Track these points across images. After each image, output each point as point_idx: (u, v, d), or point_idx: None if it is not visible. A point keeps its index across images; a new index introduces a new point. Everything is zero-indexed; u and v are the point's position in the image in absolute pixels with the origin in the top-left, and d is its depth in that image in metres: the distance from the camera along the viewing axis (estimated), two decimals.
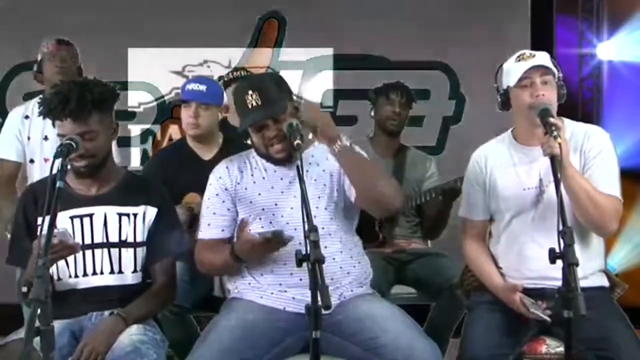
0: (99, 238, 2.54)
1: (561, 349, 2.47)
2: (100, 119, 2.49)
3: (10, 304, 3.30)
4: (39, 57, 3.70)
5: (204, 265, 2.61)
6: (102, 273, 2.53)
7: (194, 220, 3.15)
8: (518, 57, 2.60)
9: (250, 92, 2.49)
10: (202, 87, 3.36)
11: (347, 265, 2.53)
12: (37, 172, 3.62)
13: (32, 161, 3.69)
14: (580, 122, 2.69)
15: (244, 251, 2.43)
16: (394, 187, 2.53)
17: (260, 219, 2.52)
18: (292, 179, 2.54)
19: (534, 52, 2.60)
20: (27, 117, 3.70)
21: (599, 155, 2.55)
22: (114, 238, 2.55)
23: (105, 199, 2.57)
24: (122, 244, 2.55)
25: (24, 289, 2.25)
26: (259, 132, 2.53)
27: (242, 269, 2.57)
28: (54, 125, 2.49)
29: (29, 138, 3.69)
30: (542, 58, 2.58)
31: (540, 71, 2.55)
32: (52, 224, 2.14)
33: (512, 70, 2.59)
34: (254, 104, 2.48)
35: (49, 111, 2.46)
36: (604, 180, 2.52)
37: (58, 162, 2.25)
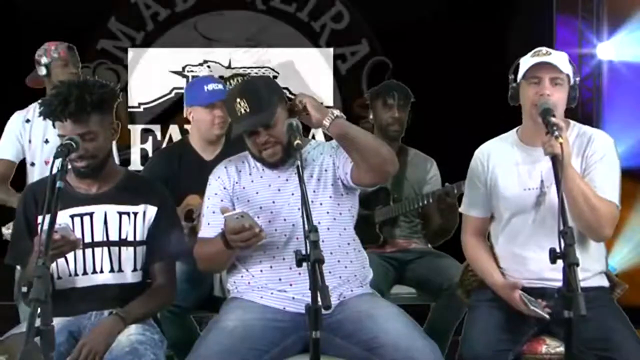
0: (99, 236, 2.54)
1: (561, 349, 2.47)
2: (100, 119, 2.50)
3: (8, 304, 3.31)
4: (44, 60, 3.70)
5: (201, 260, 2.60)
6: (102, 271, 2.54)
7: (193, 228, 3.15)
8: (534, 52, 2.59)
9: (238, 99, 2.49)
10: (221, 87, 3.37)
11: (344, 259, 2.54)
12: (38, 175, 3.64)
13: (32, 164, 3.71)
14: (587, 126, 2.67)
15: (229, 240, 2.39)
16: (389, 150, 2.50)
17: (258, 217, 2.52)
18: (289, 177, 2.55)
19: (550, 50, 2.58)
20: (28, 120, 3.73)
21: (601, 160, 2.53)
22: (114, 237, 2.55)
23: (106, 197, 2.58)
24: (122, 242, 2.56)
25: (24, 289, 2.25)
26: (251, 137, 2.54)
27: (240, 267, 2.58)
28: (54, 126, 2.50)
29: (29, 141, 3.71)
30: (556, 57, 2.55)
31: (551, 70, 2.53)
32: (52, 224, 2.14)
33: (524, 65, 2.58)
34: (243, 111, 2.49)
35: (49, 112, 2.47)
36: (604, 185, 2.50)
37: (58, 162, 2.25)
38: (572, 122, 2.62)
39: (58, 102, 2.44)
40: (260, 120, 2.48)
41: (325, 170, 2.59)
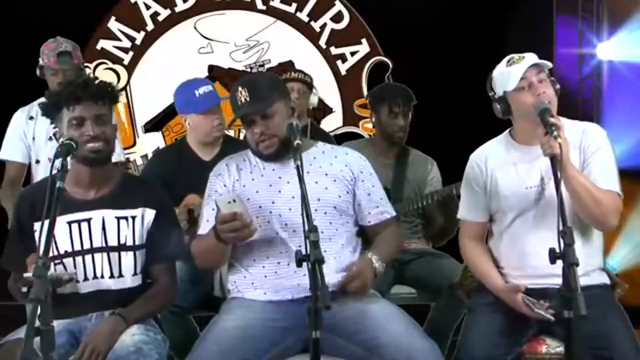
0: (97, 242, 2.52)
1: (561, 349, 2.47)
2: (109, 109, 2.53)
3: (9, 304, 3.31)
4: (40, 62, 3.68)
5: (198, 256, 2.60)
6: (102, 277, 2.53)
7: (193, 223, 3.15)
8: (508, 61, 2.61)
9: (240, 88, 2.53)
10: (211, 87, 3.36)
11: (345, 266, 2.53)
12: (42, 172, 3.65)
13: (37, 162, 3.72)
14: (577, 120, 2.69)
15: (219, 230, 2.39)
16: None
17: (257, 216, 2.52)
18: (291, 179, 2.54)
19: (522, 54, 2.60)
20: (31, 117, 3.72)
21: (597, 152, 2.55)
22: (113, 242, 2.53)
23: (103, 202, 2.56)
24: (121, 247, 2.54)
25: (24, 289, 2.25)
26: (249, 127, 2.55)
27: (242, 268, 2.58)
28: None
29: (33, 139, 3.71)
30: (533, 57, 2.58)
31: (534, 70, 2.56)
32: (52, 225, 2.13)
33: (507, 75, 2.58)
34: (243, 99, 2.52)
35: (68, 94, 2.47)
36: (603, 176, 2.52)
37: (58, 162, 2.24)
38: (562, 118, 2.62)
39: (78, 84, 2.49)
40: (257, 108, 2.50)
41: (334, 181, 2.58)
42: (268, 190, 2.57)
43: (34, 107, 3.73)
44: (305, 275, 2.37)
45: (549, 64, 2.59)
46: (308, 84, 3.96)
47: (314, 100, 4.13)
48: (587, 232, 2.57)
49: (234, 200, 2.33)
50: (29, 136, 3.71)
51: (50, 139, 3.66)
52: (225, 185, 2.61)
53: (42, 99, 3.65)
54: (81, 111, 2.46)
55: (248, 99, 2.51)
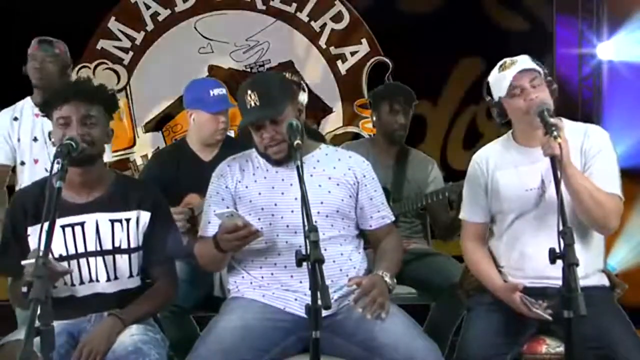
0: (92, 246, 2.51)
1: (561, 349, 2.47)
2: (102, 113, 2.50)
3: (10, 304, 3.30)
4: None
5: (200, 258, 2.61)
6: (98, 280, 2.51)
7: (193, 224, 3.15)
8: (500, 67, 2.61)
9: (249, 92, 2.49)
10: (224, 91, 3.36)
11: (346, 267, 2.54)
12: (27, 174, 3.61)
13: (22, 163, 3.67)
14: (579, 122, 2.69)
15: (223, 239, 2.40)
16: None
17: (259, 218, 2.52)
18: (294, 181, 2.52)
19: (514, 58, 2.60)
20: (15, 118, 3.68)
21: (599, 154, 2.55)
22: (107, 245, 2.52)
23: (96, 205, 2.53)
24: (116, 250, 2.52)
25: (24, 289, 2.25)
26: (258, 131, 2.53)
27: (241, 269, 2.58)
28: (50, 117, 2.48)
29: (18, 140, 3.67)
30: (524, 61, 2.58)
31: (527, 75, 2.55)
32: (53, 224, 2.13)
33: (499, 81, 2.59)
34: (253, 104, 2.48)
35: (58, 93, 2.47)
36: (605, 179, 2.52)
37: (58, 162, 2.24)
38: (563, 119, 2.63)
39: (71, 84, 2.53)
40: (268, 114, 2.48)
41: (337, 185, 2.57)
42: (271, 192, 2.56)
43: (17, 108, 3.70)
44: (302, 282, 2.39)
45: (540, 69, 2.58)
46: (297, 83, 3.96)
47: (302, 98, 4.13)
48: (587, 235, 2.56)
49: (232, 215, 2.35)
50: (13, 137, 3.67)
51: (35, 139, 3.63)
52: (227, 187, 2.60)
53: (27, 99, 3.69)
54: (68, 111, 2.44)
55: (258, 104, 2.47)
